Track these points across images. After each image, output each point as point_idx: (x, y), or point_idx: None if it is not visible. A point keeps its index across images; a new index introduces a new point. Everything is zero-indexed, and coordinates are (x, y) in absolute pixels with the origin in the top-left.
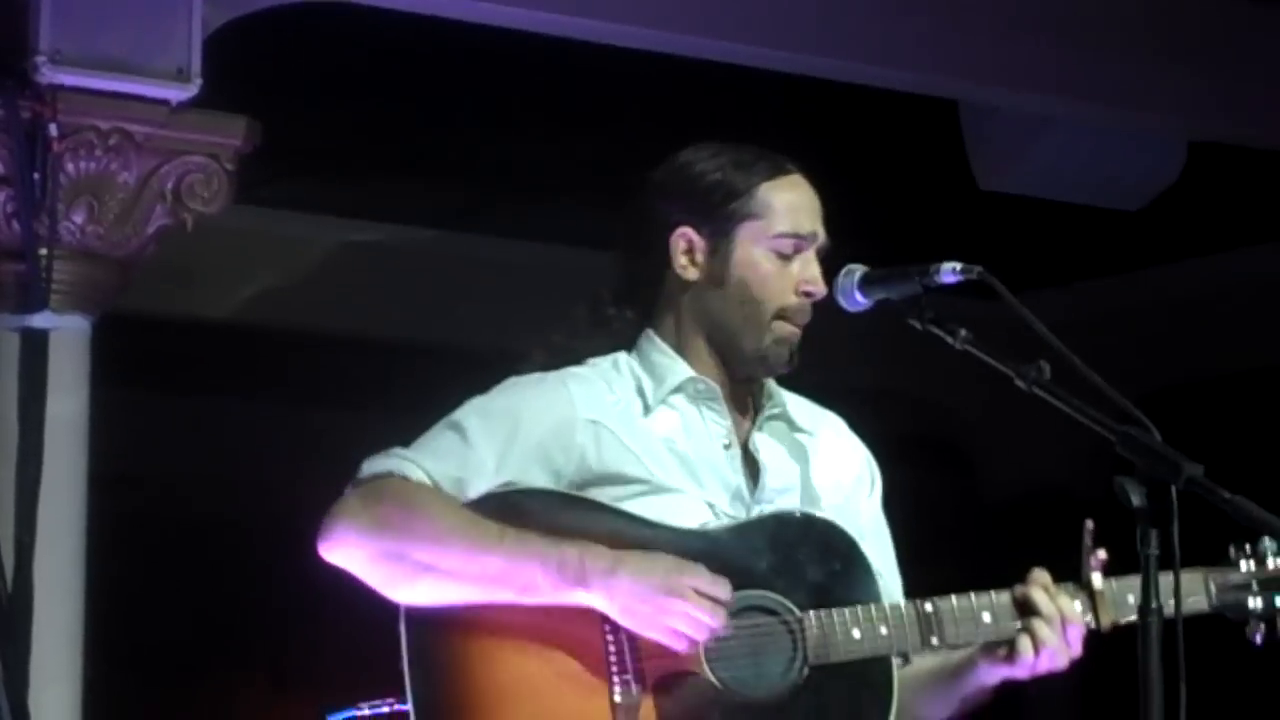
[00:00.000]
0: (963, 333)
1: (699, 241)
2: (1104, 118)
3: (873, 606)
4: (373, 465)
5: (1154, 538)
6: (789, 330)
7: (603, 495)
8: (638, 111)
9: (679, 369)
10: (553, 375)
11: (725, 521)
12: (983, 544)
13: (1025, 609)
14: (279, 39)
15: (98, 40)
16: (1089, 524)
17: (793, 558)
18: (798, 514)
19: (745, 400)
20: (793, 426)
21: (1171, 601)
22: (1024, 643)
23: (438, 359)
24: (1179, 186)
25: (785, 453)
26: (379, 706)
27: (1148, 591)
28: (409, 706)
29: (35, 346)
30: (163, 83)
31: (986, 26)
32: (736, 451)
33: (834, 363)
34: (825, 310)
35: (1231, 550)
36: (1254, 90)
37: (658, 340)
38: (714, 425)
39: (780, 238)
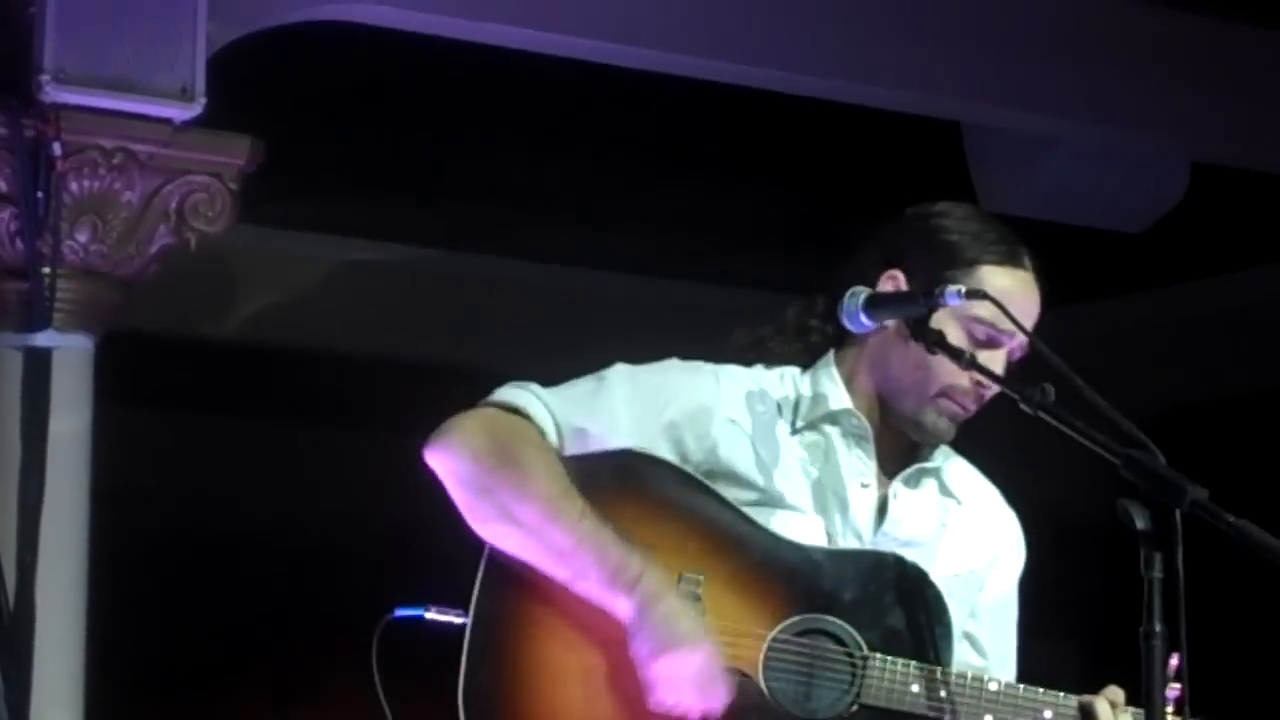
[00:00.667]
0: (968, 355)
1: (905, 289)
2: (1107, 139)
3: (939, 669)
4: (506, 392)
5: (1158, 561)
6: (952, 409)
7: (722, 492)
8: (641, 133)
9: (840, 399)
10: (709, 367)
11: (828, 546)
12: None
13: (1087, 717)
14: (283, 59)
15: (101, 59)
16: (1175, 657)
17: (879, 598)
18: (900, 560)
19: (898, 449)
20: (943, 488)
21: None
22: None
23: (440, 378)
24: (1182, 208)
25: (923, 509)
26: (447, 613)
27: (1152, 615)
28: (468, 620)
29: (38, 365)
30: (166, 102)
31: (990, 48)
32: (874, 494)
33: None
34: None
35: None
36: (1257, 112)
37: (833, 368)
38: (857, 462)
39: (977, 322)
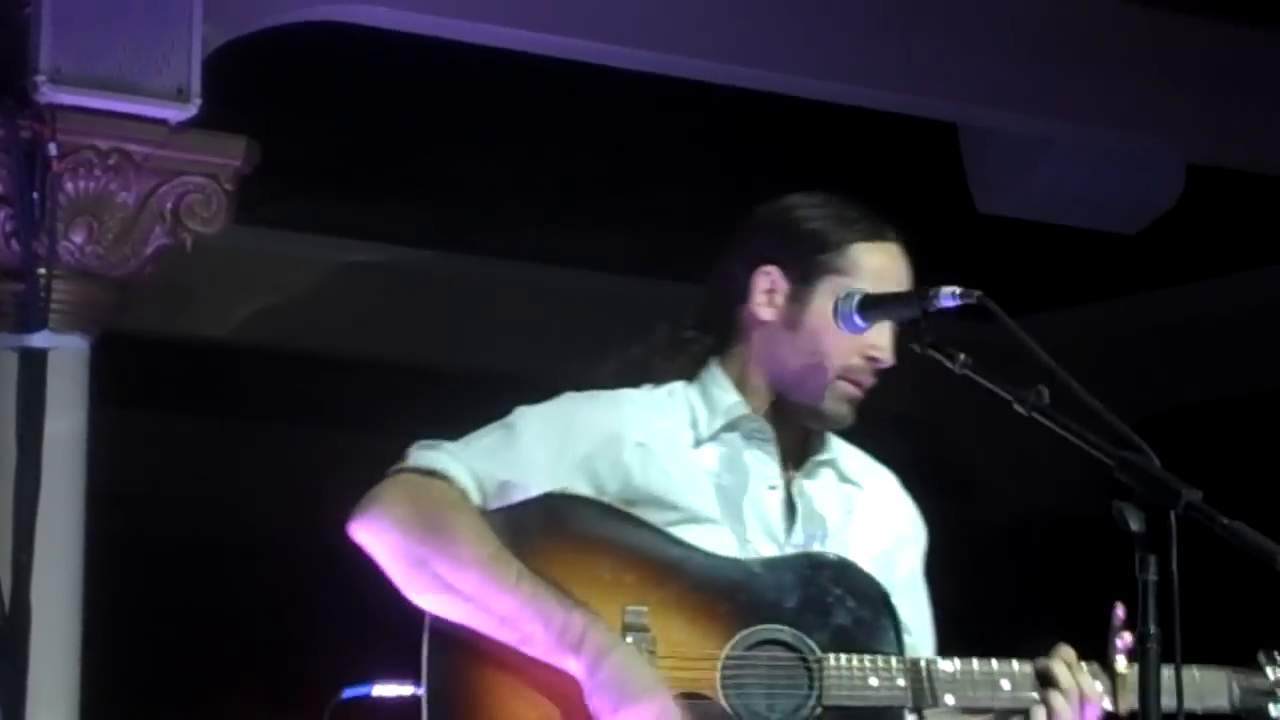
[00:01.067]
0: (962, 357)
1: (781, 283)
2: (1103, 141)
3: (894, 658)
4: (421, 456)
5: (1152, 563)
6: (850, 391)
7: (643, 517)
8: (638, 133)
9: (735, 405)
10: (606, 394)
11: (759, 554)
12: (980, 567)
13: (1045, 681)
14: (279, 59)
15: (97, 60)
16: (1119, 607)
17: (821, 599)
18: (833, 557)
19: (796, 444)
20: (841, 476)
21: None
22: (1039, 714)
23: (436, 379)
24: (1178, 210)
25: (826, 501)
26: (395, 686)
27: (1147, 617)
28: (422, 689)
29: (34, 366)
30: (162, 103)
31: (986, 50)
32: (781, 494)
33: None
34: None
35: (1260, 656)
36: (1253, 114)
37: (719, 374)
38: (762, 465)
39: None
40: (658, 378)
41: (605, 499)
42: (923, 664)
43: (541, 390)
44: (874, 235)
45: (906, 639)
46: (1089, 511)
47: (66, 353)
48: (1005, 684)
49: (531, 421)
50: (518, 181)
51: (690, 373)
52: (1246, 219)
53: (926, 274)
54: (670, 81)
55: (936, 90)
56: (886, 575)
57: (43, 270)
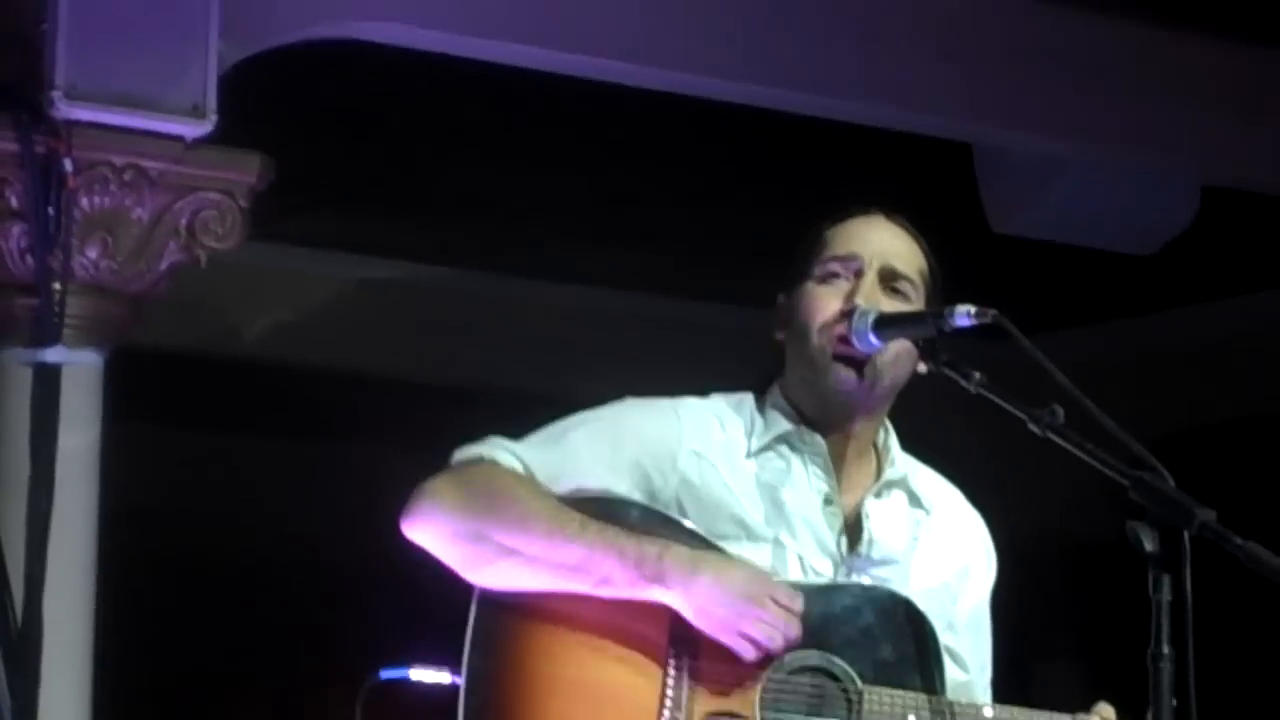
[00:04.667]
0: (977, 376)
1: (784, 301)
2: (1118, 161)
3: (934, 697)
4: (464, 451)
5: (1166, 583)
6: (837, 349)
7: (695, 526)
8: (652, 152)
9: (787, 419)
10: (666, 401)
11: (813, 579)
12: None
13: None
14: (294, 76)
15: (113, 76)
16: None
17: (869, 632)
18: (884, 592)
19: (862, 462)
20: (912, 498)
21: None
22: None
23: (450, 396)
24: (1193, 231)
25: (893, 524)
26: (433, 671)
27: (1160, 637)
28: (461, 680)
29: (48, 381)
30: (178, 119)
31: (1001, 69)
32: (837, 510)
33: None
34: None
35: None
36: (1268, 135)
37: (778, 394)
38: (815, 479)
39: (827, 261)
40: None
41: (657, 506)
42: (964, 705)
43: (558, 408)
44: (844, 217)
45: (961, 677)
46: (1102, 531)
47: (80, 368)
48: None
49: (585, 422)
50: (533, 198)
51: (763, 389)
52: (1262, 239)
53: (941, 293)
54: (685, 100)
55: (952, 110)
56: (945, 609)
57: (57, 285)
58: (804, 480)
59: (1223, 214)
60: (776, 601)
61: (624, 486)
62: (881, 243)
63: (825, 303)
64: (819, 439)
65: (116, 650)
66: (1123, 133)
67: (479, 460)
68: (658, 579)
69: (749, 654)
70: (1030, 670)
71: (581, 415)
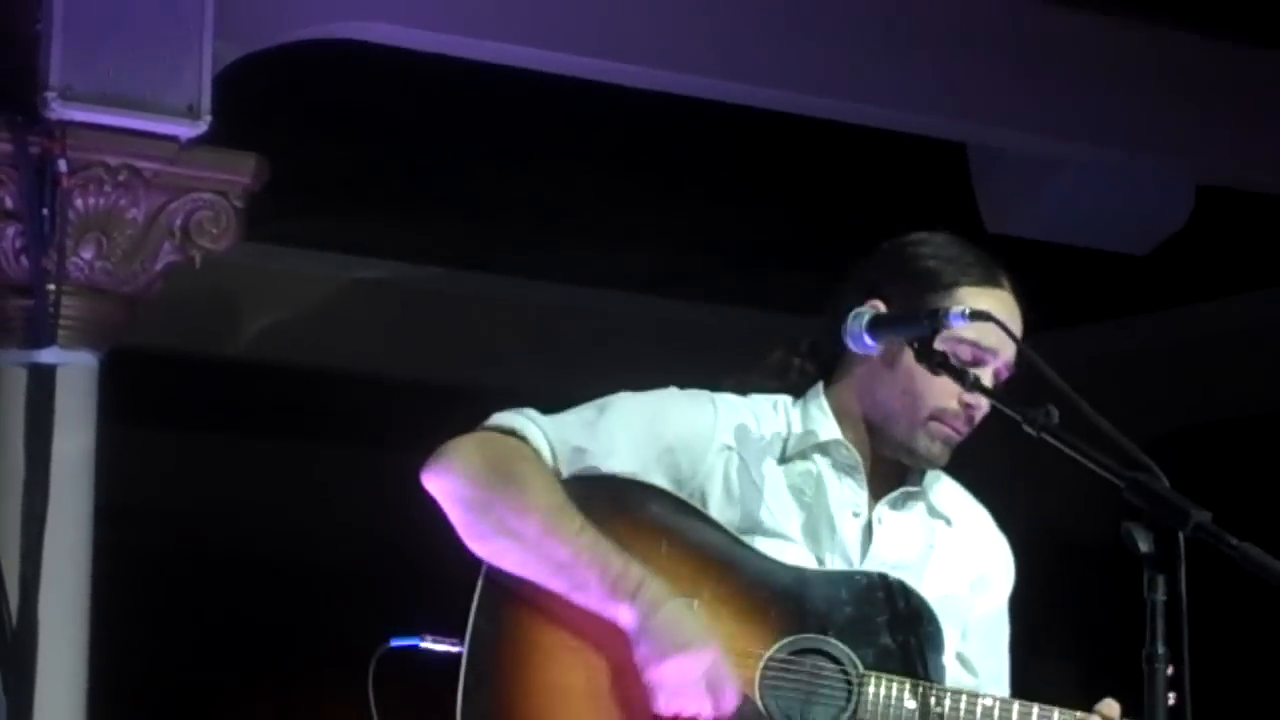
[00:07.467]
0: (971, 375)
1: (879, 315)
2: (1113, 161)
3: (935, 685)
4: (499, 417)
5: (1161, 583)
6: (944, 433)
7: (719, 518)
8: (648, 152)
9: (829, 429)
10: (705, 393)
11: (822, 569)
12: None
13: None
14: (289, 76)
15: (108, 76)
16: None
17: (872, 618)
18: (892, 578)
19: (889, 475)
20: (931, 509)
21: None
22: None
23: (445, 396)
24: (1187, 230)
25: (908, 532)
26: (443, 642)
27: (1155, 637)
28: (464, 643)
29: (43, 382)
30: (172, 119)
31: (995, 69)
32: (864, 523)
33: None
34: None
35: None
36: (1262, 134)
37: (822, 399)
38: (848, 492)
39: (961, 343)
40: (767, 389)
41: (682, 495)
42: (963, 694)
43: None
44: (986, 280)
45: (971, 680)
46: (1097, 531)
47: (75, 369)
48: None
49: (623, 404)
50: (529, 199)
51: (799, 392)
52: (1256, 239)
53: None
54: (681, 100)
55: (946, 110)
56: (955, 614)
57: (52, 286)
58: (835, 491)
59: (1217, 214)
60: (708, 693)
61: (653, 471)
62: (1011, 342)
63: (949, 389)
64: (856, 454)
65: (111, 651)
66: (1117, 133)
67: (510, 432)
68: (628, 599)
69: (655, 705)
70: (1026, 673)
71: (621, 396)
